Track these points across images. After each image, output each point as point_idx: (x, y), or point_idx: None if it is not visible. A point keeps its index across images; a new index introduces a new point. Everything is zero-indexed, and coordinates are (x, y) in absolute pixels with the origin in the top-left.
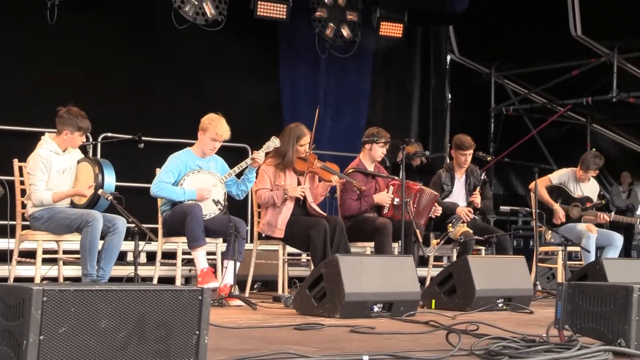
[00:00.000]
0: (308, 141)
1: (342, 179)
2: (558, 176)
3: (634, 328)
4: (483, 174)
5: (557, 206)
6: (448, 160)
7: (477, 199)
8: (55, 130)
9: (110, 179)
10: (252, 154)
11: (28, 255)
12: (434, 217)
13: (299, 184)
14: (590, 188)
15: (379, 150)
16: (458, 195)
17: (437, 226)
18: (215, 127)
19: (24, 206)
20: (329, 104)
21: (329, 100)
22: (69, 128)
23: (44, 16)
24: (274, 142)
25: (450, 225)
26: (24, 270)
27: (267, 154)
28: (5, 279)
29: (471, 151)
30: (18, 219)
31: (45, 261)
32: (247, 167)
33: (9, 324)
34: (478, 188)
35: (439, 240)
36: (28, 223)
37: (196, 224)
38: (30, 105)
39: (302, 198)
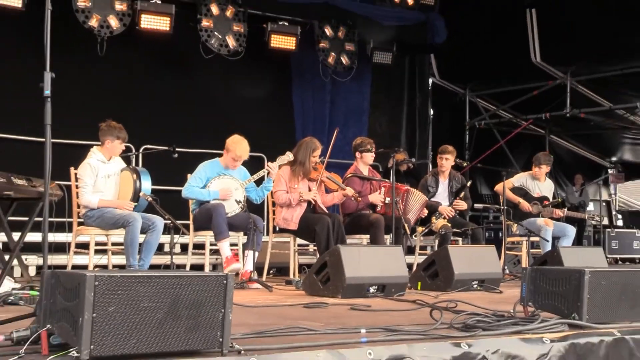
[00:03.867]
0: (319, 153)
1: (342, 190)
2: (517, 179)
3: (585, 304)
4: (469, 182)
5: (521, 200)
6: (430, 166)
7: (460, 206)
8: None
9: (146, 184)
10: (267, 164)
11: (83, 246)
12: (422, 217)
13: (309, 188)
14: (546, 187)
15: (369, 156)
16: (442, 196)
17: (423, 220)
18: (235, 150)
19: (79, 206)
20: (334, 120)
21: (334, 116)
22: (109, 137)
23: (95, 48)
24: (287, 157)
25: (434, 217)
26: (80, 259)
27: (280, 166)
28: (64, 267)
29: (448, 155)
30: (74, 217)
31: (97, 251)
32: (264, 176)
33: (68, 304)
34: (462, 194)
35: (424, 228)
36: (82, 220)
37: (221, 220)
38: (83, 122)
39: (313, 202)
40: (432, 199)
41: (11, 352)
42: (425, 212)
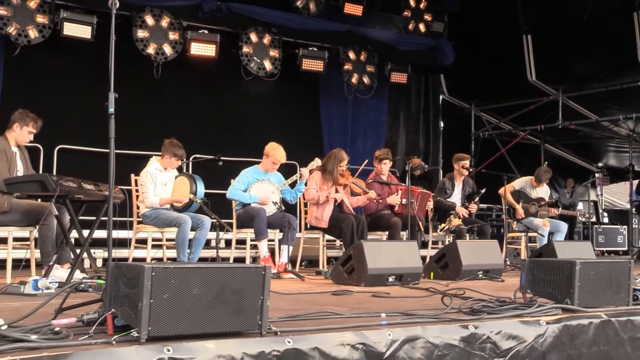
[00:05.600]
0: (346, 163)
1: (365, 193)
2: (518, 183)
3: (576, 291)
4: (484, 189)
5: (518, 206)
6: (441, 172)
7: (473, 209)
8: (159, 153)
9: (201, 189)
10: (299, 170)
11: (141, 242)
12: (428, 209)
13: (336, 192)
14: (543, 191)
15: (386, 164)
16: (456, 197)
17: (440, 218)
18: (275, 155)
19: (138, 207)
20: (356, 132)
21: (356, 129)
22: (168, 153)
23: (152, 72)
24: (316, 162)
25: (452, 216)
26: (139, 253)
27: (311, 171)
28: (126, 259)
29: (467, 162)
30: (134, 217)
31: (153, 246)
32: (296, 180)
33: (129, 291)
34: (476, 198)
35: (444, 225)
36: (141, 219)
37: (262, 222)
38: (142, 135)
39: (339, 201)
40: (447, 199)
41: (82, 332)
42: (431, 203)
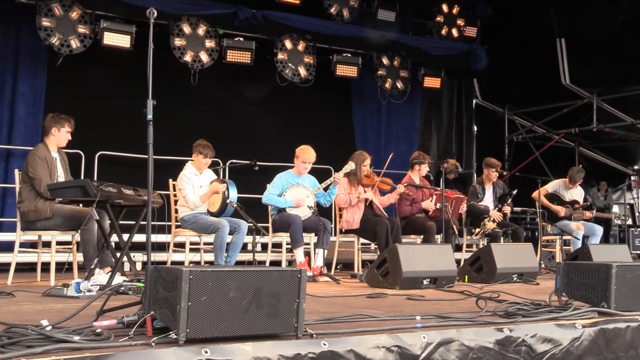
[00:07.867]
0: (369, 162)
1: (395, 187)
2: (552, 186)
3: (613, 294)
4: (515, 190)
5: (554, 206)
6: (475, 175)
7: (507, 210)
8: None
9: (233, 193)
10: (334, 173)
11: (180, 245)
12: (462, 212)
13: (364, 192)
14: (577, 193)
15: (423, 168)
16: (488, 200)
17: (474, 222)
18: (303, 154)
19: (176, 212)
20: (389, 137)
21: (389, 134)
22: (195, 153)
23: (189, 79)
24: (350, 166)
25: (486, 220)
26: (177, 256)
27: (345, 174)
28: (164, 263)
29: (496, 169)
30: (172, 221)
31: (191, 250)
32: (330, 184)
33: (168, 294)
34: (509, 200)
35: (479, 230)
36: (179, 224)
37: (297, 230)
38: (179, 141)
39: (369, 200)
40: (479, 203)
41: (122, 334)
42: (464, 207)
